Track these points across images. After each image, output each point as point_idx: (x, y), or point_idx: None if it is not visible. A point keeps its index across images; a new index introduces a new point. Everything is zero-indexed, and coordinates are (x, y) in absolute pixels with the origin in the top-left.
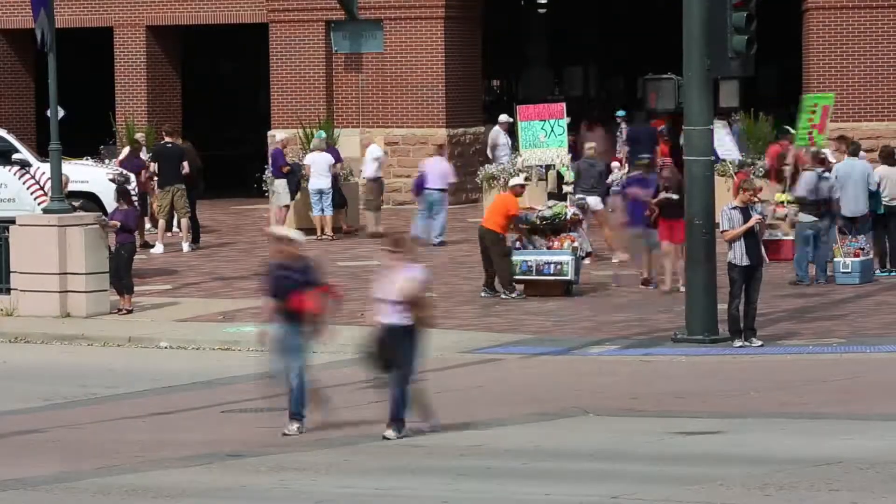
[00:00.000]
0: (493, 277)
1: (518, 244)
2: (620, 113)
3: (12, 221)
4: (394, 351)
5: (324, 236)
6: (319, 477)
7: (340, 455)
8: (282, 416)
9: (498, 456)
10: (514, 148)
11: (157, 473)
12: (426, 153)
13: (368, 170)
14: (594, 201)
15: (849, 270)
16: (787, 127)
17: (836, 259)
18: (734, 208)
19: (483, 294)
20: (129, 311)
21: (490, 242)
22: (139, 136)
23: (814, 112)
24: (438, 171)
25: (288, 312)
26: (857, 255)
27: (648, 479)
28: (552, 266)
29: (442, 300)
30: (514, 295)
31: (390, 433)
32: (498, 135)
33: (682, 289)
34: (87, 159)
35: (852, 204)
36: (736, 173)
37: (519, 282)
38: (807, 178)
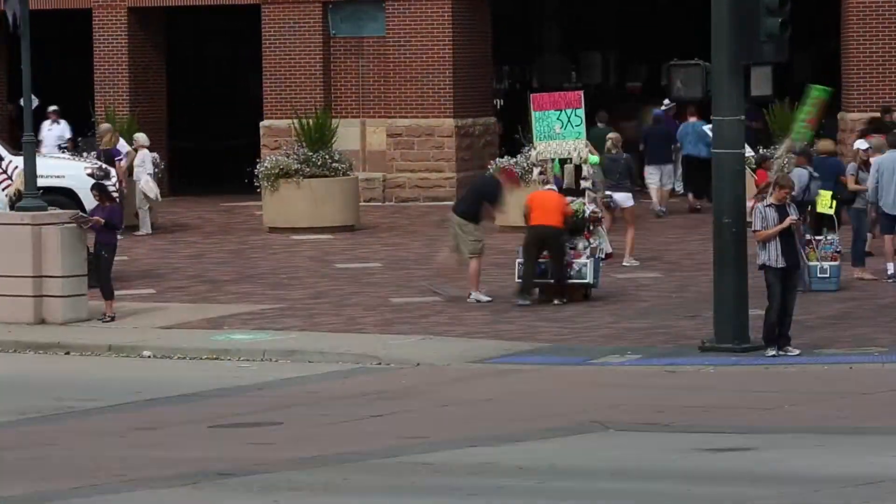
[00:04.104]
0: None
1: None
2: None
3: None
4: None
5: None
6: (316, 497)
7: (339, 473)
8: (273, 430)
9: (510, 474)
10: None
11: (141, 493)
12: (432, 145)
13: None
14: (622, 198)
15: (826, 275)
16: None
17: (811, 263)
18: (769, 206)
19: (521, 302)
20: (112, 318)
21: (556, 240)
22: (104, 126)
23: (814, 105)
24: None
25: None
26: (834, 259)
27: (673, 499)
28: (570, 269)
29: (448, 305)
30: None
31: None
32: None
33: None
34: (63, 152)
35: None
36: (756, 169)
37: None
38: (797, 176)
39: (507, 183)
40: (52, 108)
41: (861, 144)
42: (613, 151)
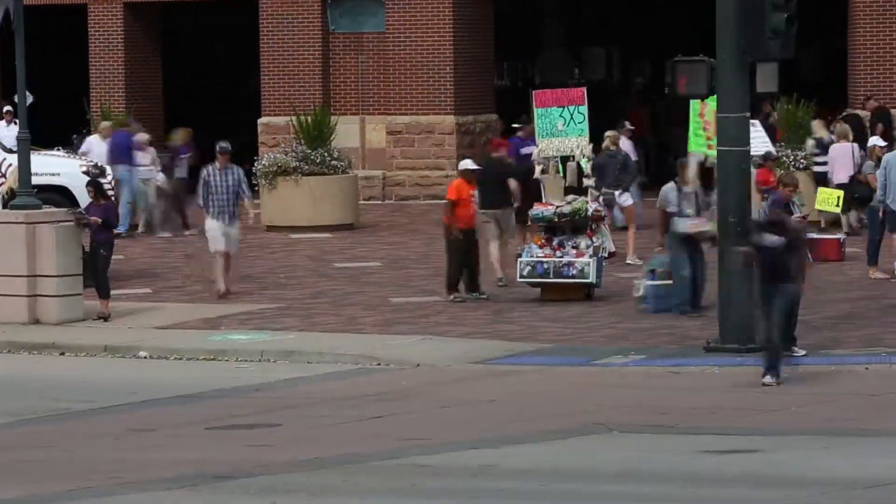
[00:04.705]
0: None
1: (542, 243)
2: None
3: None
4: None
5: None
6: (315, 499)
7: (338, 475)
8: (272, 431)
9: (512, 477)
10: None
11: (137, 496)
12: (432, 143)
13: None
14: (622, 197)
15: None
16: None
17: None
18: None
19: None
20: (107, 318)
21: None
22: (105, 123)
23: (701, 115)
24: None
25: None
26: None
27: (678, 501)
28: (572, 268)
29: (449, 306)
30: (450, 298)
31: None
32: None
33: None
34: (58, 149)
35: None
36: (758, 167)
37: (535, 285)
38: (664, 190)
39: (502, 151)
40: (7, 107)
41: (877, 141)
42: (612, 149)
